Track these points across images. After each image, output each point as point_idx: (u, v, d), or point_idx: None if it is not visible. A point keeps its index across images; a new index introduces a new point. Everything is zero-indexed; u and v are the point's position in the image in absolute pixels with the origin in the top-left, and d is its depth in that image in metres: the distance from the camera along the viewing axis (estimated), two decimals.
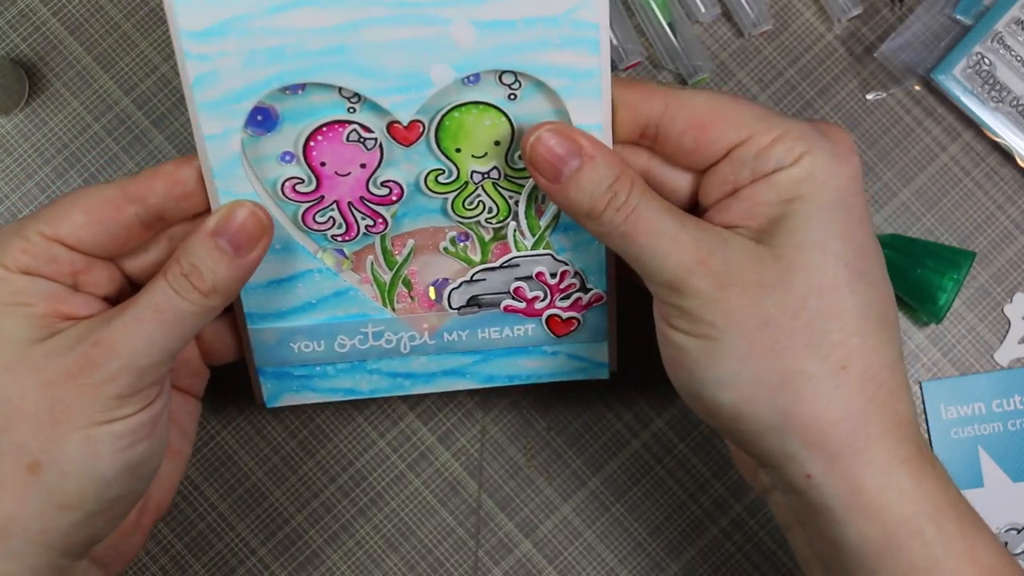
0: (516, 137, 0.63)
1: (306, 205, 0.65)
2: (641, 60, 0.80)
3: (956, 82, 0.79)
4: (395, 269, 0.68)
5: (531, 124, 0.62)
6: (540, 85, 0.62)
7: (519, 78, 0.62)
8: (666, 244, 0.58)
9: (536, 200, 0.66)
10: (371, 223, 0.66)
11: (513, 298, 0.69)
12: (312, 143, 0.63)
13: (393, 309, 0.69)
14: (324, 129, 0.62)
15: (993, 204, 0.80)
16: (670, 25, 0.79)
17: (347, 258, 0.67)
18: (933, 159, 0.81)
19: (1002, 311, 0.80)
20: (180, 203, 0.62)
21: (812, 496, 0.57)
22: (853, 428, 0.57)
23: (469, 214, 0.66)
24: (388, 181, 0.64)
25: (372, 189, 0.65)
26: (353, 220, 0.66)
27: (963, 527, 0.57)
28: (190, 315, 0.59)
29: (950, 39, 0.81)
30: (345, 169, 0.64)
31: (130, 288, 0.64)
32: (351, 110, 0.62)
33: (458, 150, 0.64)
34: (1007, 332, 0.80)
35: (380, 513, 0.79)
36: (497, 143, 0.64)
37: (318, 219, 0.65)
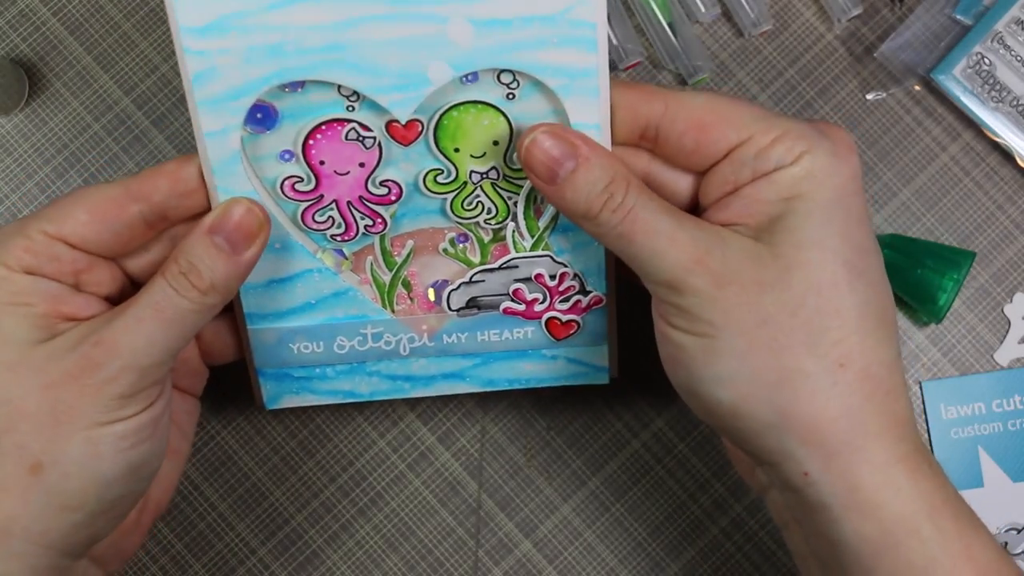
0: (514, 137, 0.63)
1: (305, 204, 0.65)
2: (641, 60, 0.80)
3: (956, 82, 0.79)
4: (394, 270, 0.68)
5: (529, 124, 0.62)
6: (538, 84, 0.62)
7: (517, 77, 0.62)
8: (663, 243, 0.58)
9: (535, 201, 0.66)
10: (370, 223, 0.66)
11: (512, 300, 0.69)
12: (311, 141, 0.63)
13: (392, 310, 0.69)
14: (323, 127, 0.63)
15: (993, 204, 0.81)
16: (670, 25, 0.79)
17: (346, 258, 0.68)
18: (933, 159, 0.81)
19: (1002, 311, 0.80)
20: (182, 201, 0.62)
21: (809, 494, 0.58)
22: (851, 426, 0.57)
23: (468, 215, 0.66)
24: (387, 181, 0.65)
25: (371, 188, 0.65)
26: (352, 220, 0.66)
27: (960, 525, 0.57)
28: (190, 313, 0.59)
29: (950, 39, 0.81)
30: (344, 168, 0.64)
31: (131, 287, 0.64)
32: (350, 108, 0.62)
33: (456, 150, 0.64)
34: (1007, 332, 0.80)
35: (380, 513, 0.79)
36: (496, 143, 0.64)
37: (317, 218, 0.65)
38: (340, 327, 0.69)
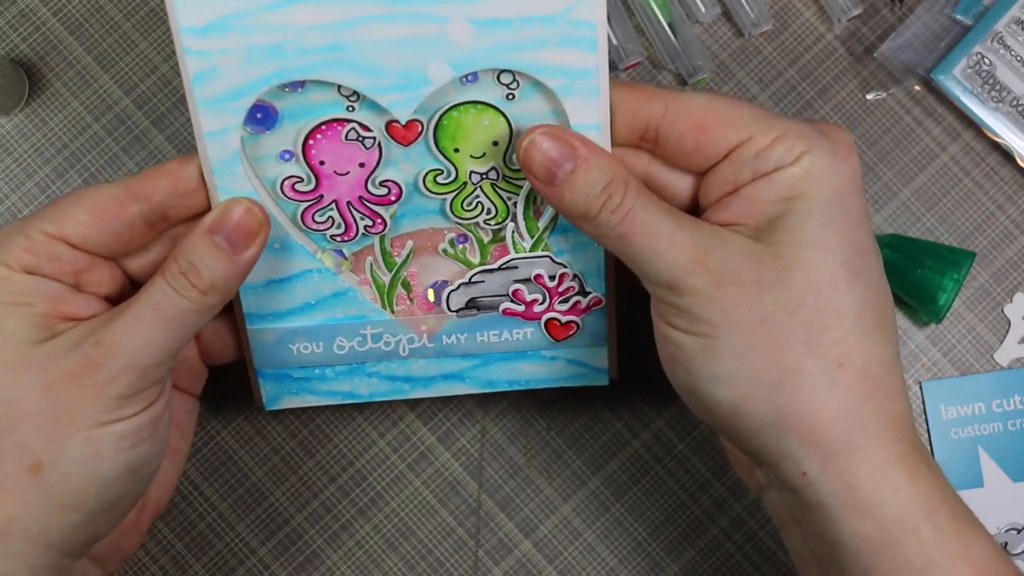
0: (514, 138, 0.63)
1: (305, 204, 0.65)
2: (641, 60, 0.80)
3: (956, 82, 0.79)
4: (394, 271, 0.68)
5: (529, 124, 0.62)
6: (538, 85, 0.62)
7: (517, 78, 0.62)
8: (663, 244, 0.58)
9: (534, 201, 0.66)
10: (370, 223, 0.66)
11: (512, 301, 0.69)
12: (311, 141, 0.63)
13: (392, 311, 0.69)
14: (323, 127, 0.63)
15: (993, 204, 0.81)
16: (670, 25, 0.79)
17: (346, 259, 0.68)
18: (933, 159, 0.81)
19: (1002, 311, 0.80)
20: (183, 201, 0.62)
21: (807, 494, 0.58)
22: (849, 426, 0.57)
23: (468, 215, 0.66)
24: (387, 181, 0.65)
25: (371, 189, 0.65)
26: (352, 220, 0.66)
27: (958, 525, 0.57)
28: (189, 313, 0.59)
29: (950, 39, 0.81)
30: (344, 168, 0.64)
31: (131, 287, 0.64)
32: (350, 108, 0.62)
33: (456, 150, 0.64)
34: (1007, 332, 0.80)
35: (380, 513, 0.79)
36: (495, 143, 0.64)
37: (317, 219, 0.65)
38: (339, 328, 0.69)
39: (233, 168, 0.62)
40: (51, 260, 0.60)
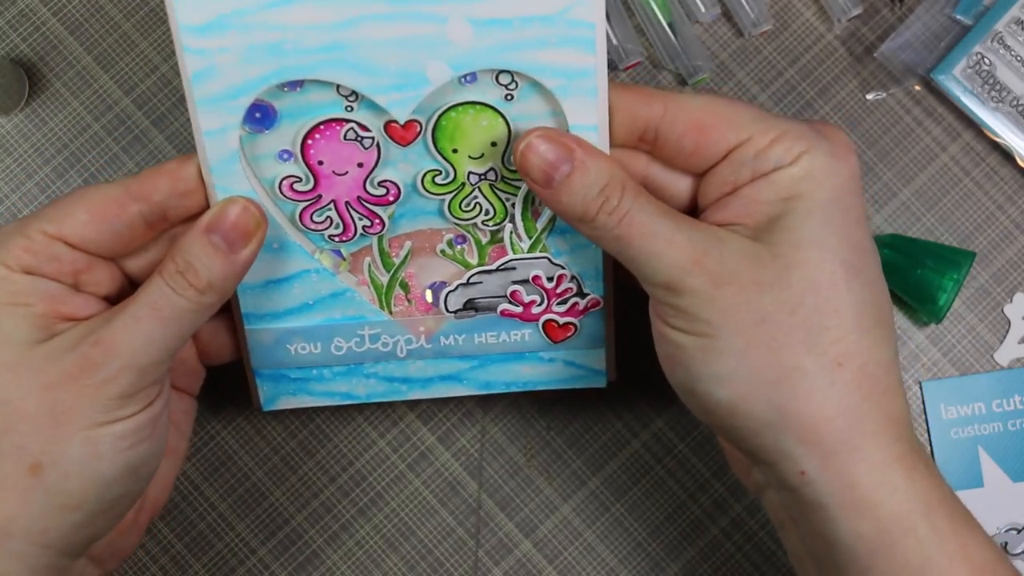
0: (512, 138, 0.63)
1: (303, 204, 0.65)
2: (641, 60, 0.80)
3: (956, 82, 0.79)
4: (392, 271, 0.68)
5: (528, 125, 0.62)
6: (537, 86, 0.62)
7: (516, 78, 0.62)
8: (660, 245, 0.58)
9: (532, 203, 0.66)
10: (368, 223, 0.66)
11: (510, 302, 0.69)
12: (310, 141, 0.63)
13: (390, 312, 0.69)
14: (322, 127, 0.63)
15: (993, 204, 0.81)
16: (670, 25, 0.79)
17: (344, 259, 0.67)
18: (933, 159, 0.81)
19: (1002, 311, 0.80)
20: (182, 201, 0.62)
21: (806, 493, 0.58)
22: (848, 425, 0.57)
23: (466, 216, 0.66)
24: (385, 181, 0.65)
25: (369, 189, 0.65)
26: (350, 220, 0.66)
27: (955, 525, 0.57)
28: (187, 312, 0.59)
29: (950, 39, 0.81)
30: (342, 168, 0.64)
31: (130, 288, 0.64)
32: (349, 108, 0.62)
33: (455, 151, 0.64)
34: (1007, 332, 0.80)
35: (380, 513, 0.79)
36: (494, 144, 0.64)
37: (315, 218, 0.65)
38: (337, 328, 0.69)
39: (232, 167, 0.62)
40: (50, 260, 0.60)
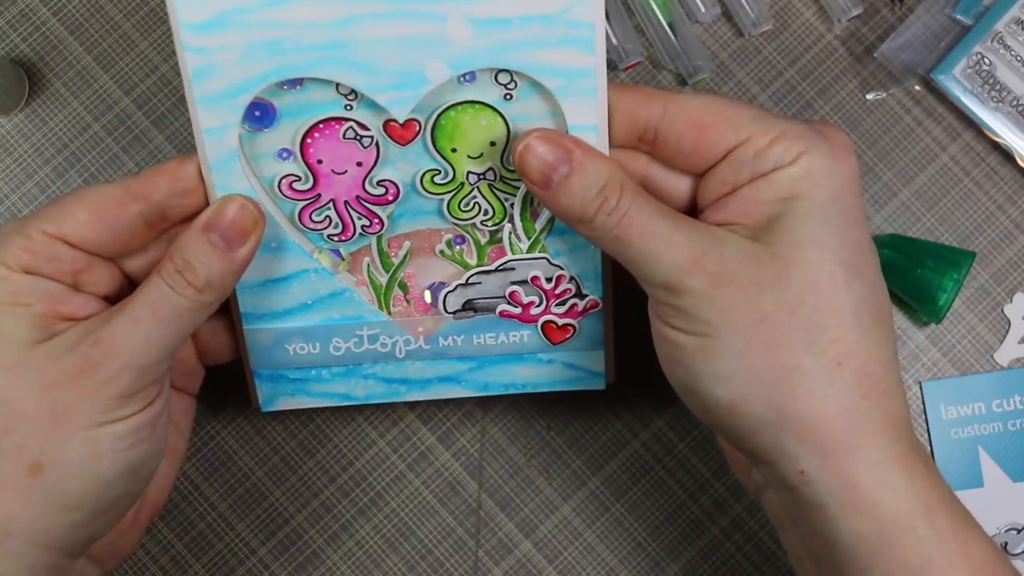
0: (511, 138, 0.63)
1: (303, 203, 0.65)
2: (641, 60, 0.80)
3: (956, 82, 0.79)
4: (391, 271, 0.68)
5: (527, 125, 0.62)
6: (536, 85, 0.62)
7: (515, 78, 0.62)
8: (660, 246, 0.58)
9: (531, 203, 0.66)
10: (367, 223, 0.66)
11: (508, 303, 0.69)
12: (309, 140, 0.63)
13: (389, 312, 0.69)
14: (321, 126, 0.63)
15: (993, 204, 0.81)
16: (670, 25, 0.79)
17: (343, 259, 0.67)
18: (933, 159, 0.81)
19: (1002, 311, 0.80)
20: (182, 200, 0.62)
21: (805, 492, 0.58)
22: (847, 424, 0.57)
23: (465, 216, 0.66)
24: (384, 180, 0.65)
25: (368, 188, 0.65)
26: (349, 219, 0.66)
27: (955, 524, 0.57)
28: (186, 311, 0.59)
29: (950, 39, 0.81)
30: (342, 167, 0.64)
31: (130, 287, 0.64)
32: (348, 107, 0.62)
33: (454, 150, 0.64)
34: (1007, 332, 0.80)
35: (380, 513, 0.79)
36: (493, 144, 0.64)
37: (314, 218, 0.65)
38: (336, 328, 0.69)
39: (231, 166, 0.62)
40: (50, 260, 0.60)
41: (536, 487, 0.79)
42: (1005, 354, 0.80)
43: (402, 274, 0.68)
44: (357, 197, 0.65)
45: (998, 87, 0.79)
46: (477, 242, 0.68)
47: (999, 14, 0.80)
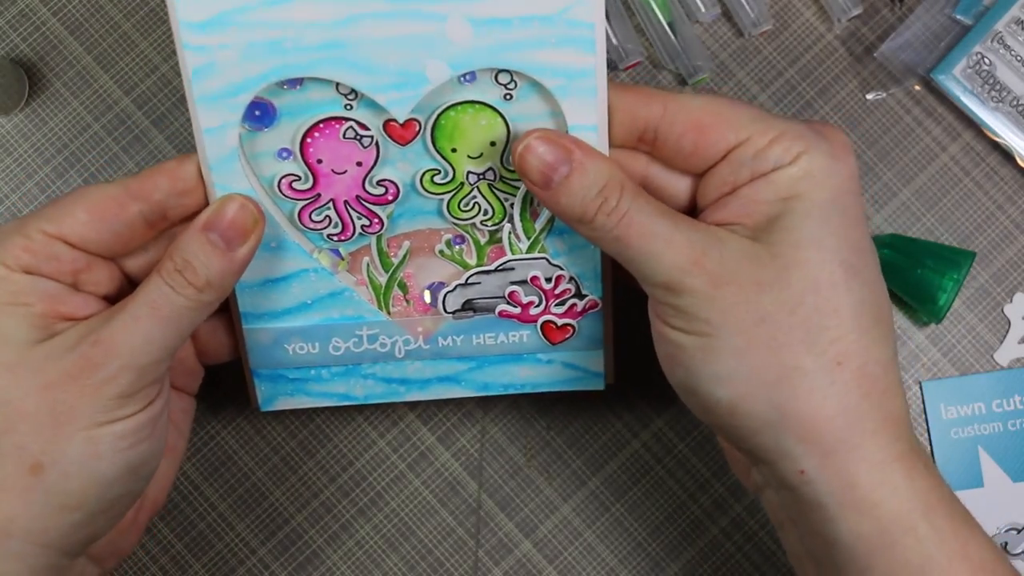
0: (511, 138, 0.63)
1: (302, 203, 0.65)
2: (641, 60, 0.80)
3: (956, 82, 0.79)
4: (391, 271, 0.68)
5: (527, 125, 0.62)
6: (536, 85, 0.62)
7: (515, 78, 0.62)
8: (660, 246, 0.58)
9: (531, 203, 0.66)
10: (367, 223, 0.66)
11: (508, 303, 0.69)
12: (309, 139, 0.63)
13: (388, 312, 0.69)
14: (321, 126, 0.63)
15: (993, 204, 0.80)
16: (670, 25, 0.79)
17: (343, 259, 0.67)
18: (933, 159, 0.81)
19: (1002, 311, 0.80)
20: (182, 199, 0.62)
21: (805, 492, 0.58)
22: (847, 424, 0.57)
23: (465, 216, 0.66)
24: (384, 180, 0.64)
25: (368, 188, 0.64)
26: (349, 219, 0.65)
27: (955, 524, 0.57)
28: (186, 311, 0.59)
29: (950, 39, 0.80)
30: (341, 167, 0.64)
31: (129, 287, 0.64)
32: (348, 107, 0.62)
33: (454, 150, 0.64)
34: (1007, 332, 0.80)
35: (380, 513, 0.79)
36: (493, 144, 0.64)
37: (314, 217, 0.65)
38: (335, 328, 0.69)
39: (231, 166, 0.62)
40: (50, 260, 0.60)
41: (536, 487, 0.79)
42: (1005, 354, 0.80)
43: (401, 274, 0.68)
44: (357, 197, 0.65)
45: (998, 87, 0.79)
46: (477, 242, 0.67)
47: (999, 14, 0.79)
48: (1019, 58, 0.79)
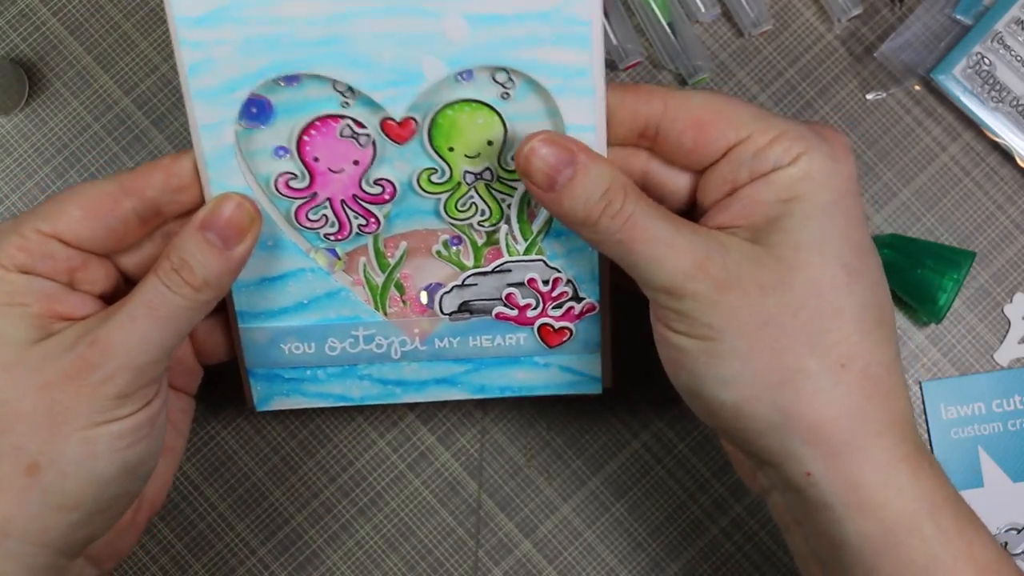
0: (509, 138, 0.63)
1: (299, 202, 0.64)
2: (641, 60, 0.80)
3: (956, 82, 0.79)
4: (388, 272, 0.67)
5: (524, 125, 0.61)
6: (533, 85, 0.61)
7: (512, 76, 0.61)
8: (662, 250, 0.57)
9: (528, 204, 0.65)
10: (364, 222, 0.65)
11: (505, 305, 0.68)
12: (306, 137, 0.62)
13: (385, 313, 0.68)
14: (318, 123, 0.62)
15: (993, 204, 0.80)
16: (670, 25, 0.79)
17: (339, 259, 0.66)
18: (933, 159, 0.80)
19: (1002, 311, 0.80)
20: (176, 196, 0.62)
21: (811, 494, 0.57)
22: (852, 425, 0.57)
23: (462, 216, 0.65)
24: (381, 179, 0.64)
25: (365, 187, 0.64)
26: (346, 218, 0.65)
27: (960, 524, 0.57)
28: (183, 310, 0.59)
29: (950, 39, 0.80)
30: (338, 165, 0.63)
31: (126, 285, 0.64)
32: (345, 104, 0.62)
33: (451, 149, 0.63)
34: (1007, 332, 0.79)
35: (380, 513, 0.78)
36: (490, 143, 0.63)
37: (311, 216, 0.65)
38: (332, 328, 0.68)
39: (227, 163, 0.62)
40: (45, 258, 0.59)
41: (536, 487, 0.78)
42: (1005, 354, 0.79)
43: (398, 274, 0.67)
44: (354, 196, 0.64)
45: (998, 87, 0.79)
46: (474, 243, 0.67)
47: (999, 14, 0.79)
48: (1019, 58, 0.79)
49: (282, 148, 0.63)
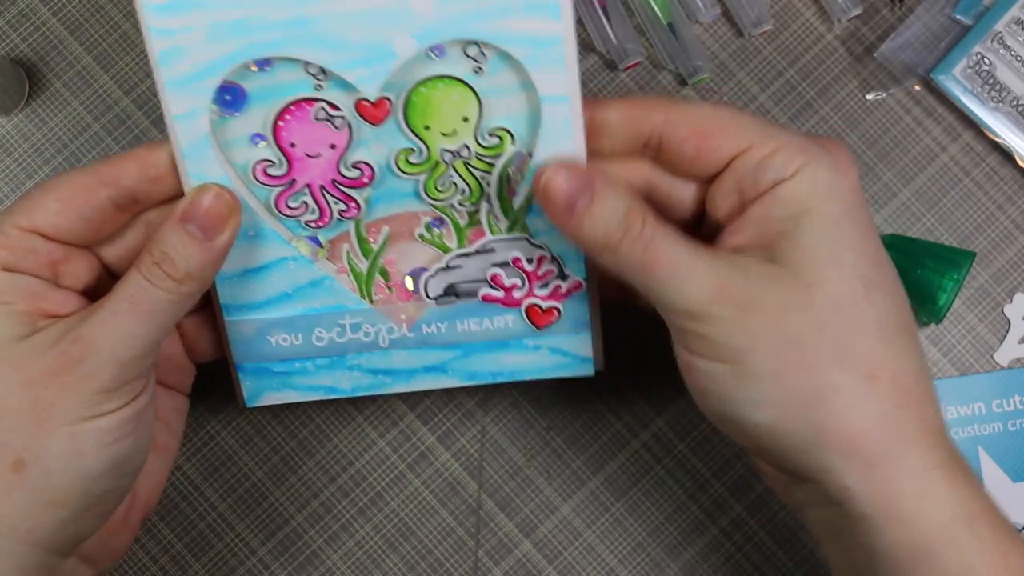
0: (484, 113, 0.61)
1: (278, 189, 0.62)
2: (641, 60, 0.78)
3: (956, 82, 0.77)
4: (371, 258, 0.66)
5: (499, 99, 0.61)
6: (506, 58, 0.59)
7: (484, 50, 0.59)
8: (684, 273, 0.57)
9: (508, 181, 0.63)
10: (344, 207, 0.63)
11: (490, 286, 0.66)
12: (281, 123, 0.61)
13: (371, 300, 0.66)
14: (292, 108, 0.60)
15: (993, 204, 0.79)
16: (670, 25, 0.77)
17: (322, 247, 0.65)
18: (933, 159, 0.79)
19: (1002, 311, 0.78)
20: (153, 186, 0.61)
21: (849, 507, 0.56)
22: (886, 436, 0.56)
23: (442, 196, 0.64)
24: (359, 163, 0.62)
25: (343, 171, 0.62)
26: (326, 204, 0.63)
27: (996, 533, 0.56)
28: (166, 304, 0.57)
29: (950, 39, 0.79)
30: (315, 150, 0.62)
31: (109, 278, 0.63)
32: (318, 87, 0.60)
33: (427, 127, 0.61)
34: (1007, 332, 0.78)
35: (380, 513, 0.77)
36: (466, 119, 0.61)
37: (291, 204, 0.63)
38: (318, 318, 0.66)
39: (203, 152, 0.60)
40: (27, 254, 0.58)
41: (536, 487, 0.77)
42: (1005, 354, 0.78)
43: (383, 260, 0.66)
44: (333, 181, 0.62)
45: (998, 87, 0.77)
46: (456, 224, 0.65)
47: (999, 14, 0.78)
48: (1019, 58, 0.77)
49: (258, 135, 0.61)
